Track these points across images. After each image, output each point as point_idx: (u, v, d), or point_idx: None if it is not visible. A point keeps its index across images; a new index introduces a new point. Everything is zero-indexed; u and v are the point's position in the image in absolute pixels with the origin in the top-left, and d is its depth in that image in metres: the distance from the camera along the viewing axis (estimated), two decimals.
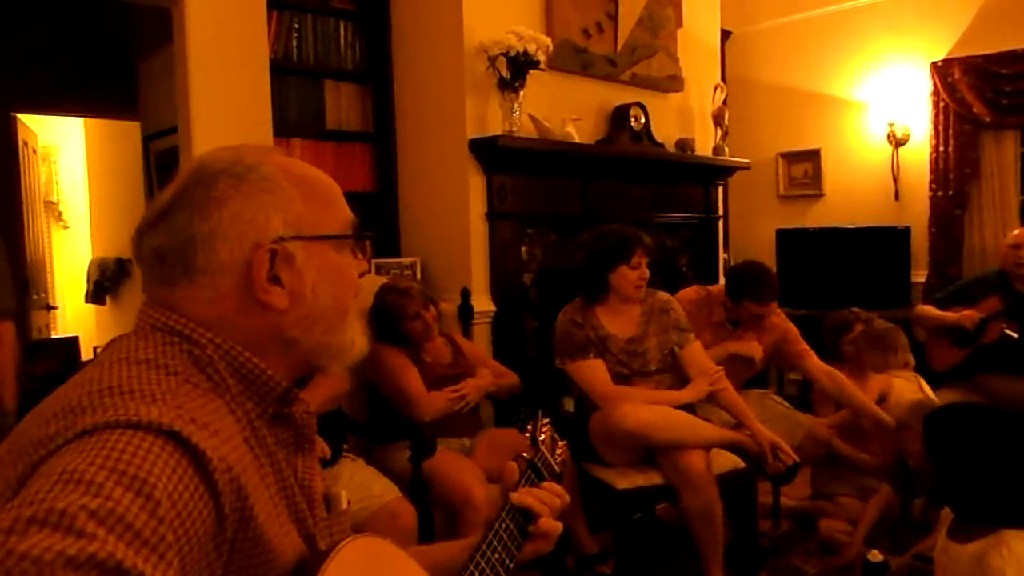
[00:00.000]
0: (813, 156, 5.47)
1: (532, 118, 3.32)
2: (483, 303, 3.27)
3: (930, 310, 3.79)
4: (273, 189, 0.83)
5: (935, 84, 4.79)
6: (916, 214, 4.96)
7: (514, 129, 3.19)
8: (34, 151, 5.16)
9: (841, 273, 5.04)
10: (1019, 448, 1.72)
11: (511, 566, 1.01)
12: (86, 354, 4.39)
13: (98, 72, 4.39)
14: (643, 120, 3.84)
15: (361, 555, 0.79)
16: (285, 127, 3.27)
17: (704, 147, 4.27)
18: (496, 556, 0.99)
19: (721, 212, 4.58)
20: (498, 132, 3.18)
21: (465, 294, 3.19)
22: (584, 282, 2.79)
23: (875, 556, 2.38)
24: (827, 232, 5.22)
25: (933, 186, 4.87)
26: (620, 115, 3.78)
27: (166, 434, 0.65)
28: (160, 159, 3.49)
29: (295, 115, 3.35)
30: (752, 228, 5.73)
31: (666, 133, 4.05)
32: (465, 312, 3.19)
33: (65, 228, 6.33)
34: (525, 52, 3.09)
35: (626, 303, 2.77)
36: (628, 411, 2.54)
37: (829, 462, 3.23)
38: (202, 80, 2.92)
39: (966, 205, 4.79)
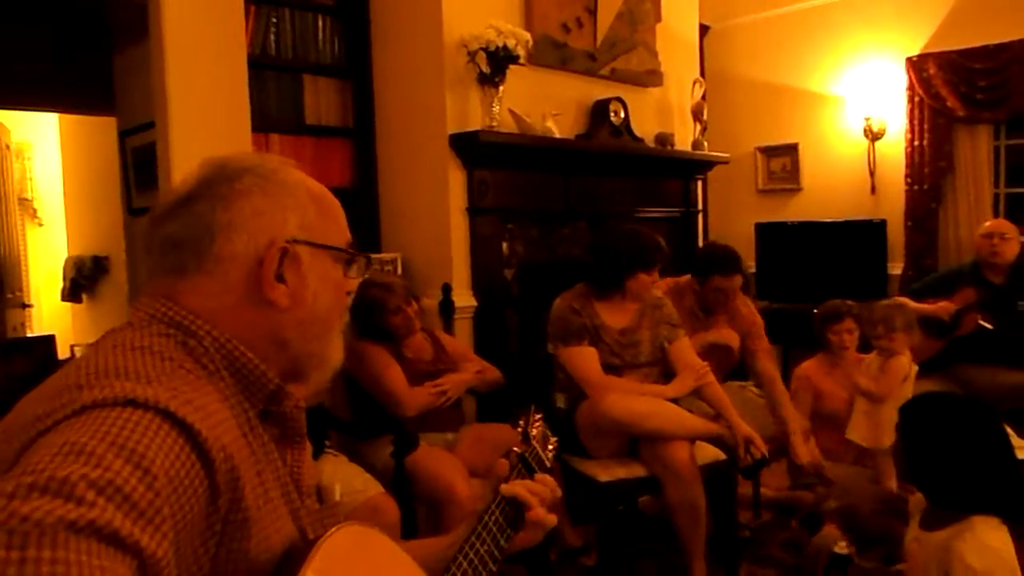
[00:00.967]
0: (791, 150, 5.51)
1: (512, 113, 3.32)
2: (465, 298, 3.27)
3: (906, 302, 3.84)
4: (292, 193, 0.88)
5: (910, 79, 4.84)
6: (892, 207, 5.02)
7: (494, 124, 3.19)
8: (8, 147, 5.09)
9: (819, 266, 5.10)
10: (988, 435, 1.75)
11: (499, 558, 1.01)
12: (63, 352, 4.34)
13: (73, 67, 4.33)
14: (623, 115, 3.85)
15: (350, 541, 0.80)
16: (264, 122, 3.24)
17: (683, 142, 4.29)
18: (485, 548, 0.99)
19: (700, 206, 4.61)
20: (478, 127, 3.18)
21: (446, 290, 3.19)
22: (597, 276, 2.81)
23: (841, 548, 2.41)
24: (805, 226, 5.27)
25: (909, 180, 4.93)
26: (600, 110, 3.79)
27: (162, 413, 0.66)
28: (137, 155, 3.45)
29: (274, 110, 3.32)
30: (731, 222, 5.77)
31: (646, 128, 4.06)
32: (447, 308, 3.19)
33: (40, 225, 6.24)
34: (505, 47, 3.09)
35: (632, 301, 2.81)
36: (616, 400, 2.56)
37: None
38: (179, 75, 2.89)
39: (941, 198, 4.85)
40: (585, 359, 2.69)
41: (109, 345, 0.77)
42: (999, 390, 3.45)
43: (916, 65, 4.82)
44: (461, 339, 3.18)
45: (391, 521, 2.24)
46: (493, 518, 1.03)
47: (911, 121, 4.88)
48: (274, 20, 3.32)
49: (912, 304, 3.75)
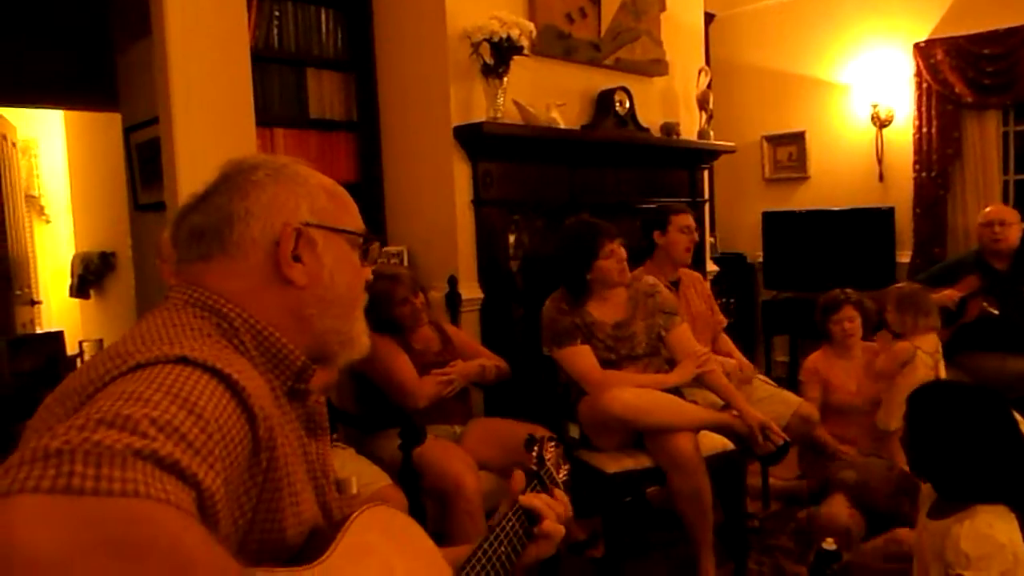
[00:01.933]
0: (798, 139, 5.49)
1: (517, 104, 3.31)
2: (471, 291, 3.27)
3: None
4: (303, 183, 0.95)
5: (918, 65, 4.81)
6: (900, 195, 4.99)
7: (499, 115, 3.17)
8: (13, 145, 5.10)
9: (827, 254, 5.08)
10: (996, 423, 1.74)
11: (514, 563, 1.04)
12: (71, 349, 4.36)
13: (77, 64, 4.34)
14: (628, 105, 3.83)
15: (379, 520, 0.86)
16: (267, 117, 3.24)
17: (689, 131, 4.27)
18: (502, 550, 1.02)
19: (707, 196, 4.59)
20: (483, 119, 3.17)
21: (452, 282, 3.19)
22: (565, 281, 2.78)
23: (829, 544, 2.40)
24: (813, 214, 5.25)
25: (917, 167, 4.90)
26: (605, 100, 3.77)
27: (211, 370, 0.73)
28: (141, 150, 3.45)
29: (277, 104, 3.32)
30: (738, 211, 5.75)
31: (651, 118, 4.04)
32: (453, 300, 3.19)
33: (47, 222, 6.27)
34: (508, 38, 3.07)
35: (613, 289, 2.78)
36: (615, 395, 2.54)
37: (817, 442, 3.25)
38: (182, 70, 2.88)
39: (949, 185, 4.82)
40: (581, 358, 2.67)
41: (151, 324, 0.84)
42: (1008, 377, 3.43)
43: (923, 51, 4.78)
44: (467, 331, 3.17)
45: None
46: (510, 524, 1.06)
47: (919, 108, 4.85)
48: (277, 14, 3.31)
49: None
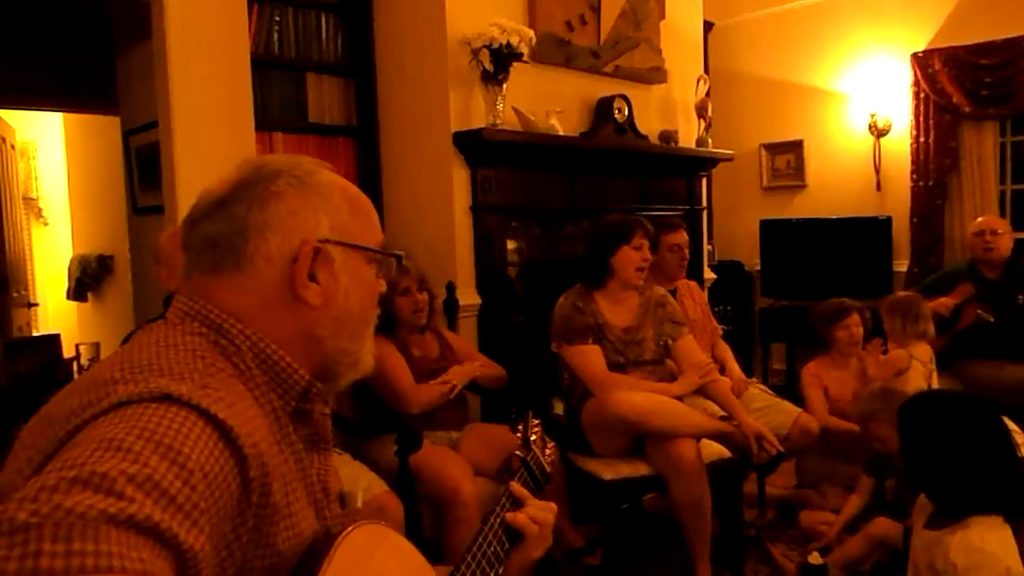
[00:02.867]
0: (796, 147, 5.50)
1: (516, 111, 3.32)
2: (469, 297, 3.27)
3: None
4: (326, 196, 0.90)
5: (916, 75, 4.83)
6: (898, 204, 5.00)
7: (498, 122, 3.18)
8: (12, 147, 5.10)
9: (824, 263, 5.09)
10: (987, 434, 1.74)
11: (504, 558, 1.03)
12: (68, 352, 4.34)
13: (77, 66, 4.34)
14: (627, 112, 3.84)
15: (368, 538, 0.82)
16: (267, 121, 3.24)
17: (687, 139, 4.28)
18: (491, 550, 1.02)
19: (705, 204, 4.60)
20: (482, 125, 3.18)
21: (450, 288, 3.19)
22: (586, 267, 2.83)
23: (815, 559, 2.40)
24: (810, 223, 5.26)
25: (914, 176, 4.91)
26: (604, 107, 3.78)
27: (196, 409, 0.68)
28: (140, 154, 3.45)
29: (277, 109, 3.32)
30: (736, 219, 5.76)
31: (650, 125, 4.05)
32: (451, 306, 3.19)
33: (45, 225, 6.27)
34: (508, 44, 3.08)
35: (626, 290, 2.80)
36: (622, 397, 2.55)
37: (815, 451, 3.25)
38: (182, 74, 2.89)
39: (947, 195, 4.84)
40: (590, 357, 2.69)
41: (144, 342, 0.80)
42: (1003, 385, 3.44)
43: (921, 61, 4.80)
44: (465, 337, 3.17)
45: (395, 520, 2.24)
46: (499, 520, 1.05)
47: (916, 117, 4.86)
48: (277, 19, 3.32)
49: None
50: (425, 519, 2.46)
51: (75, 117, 5.57)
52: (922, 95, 4.82)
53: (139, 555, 0.55)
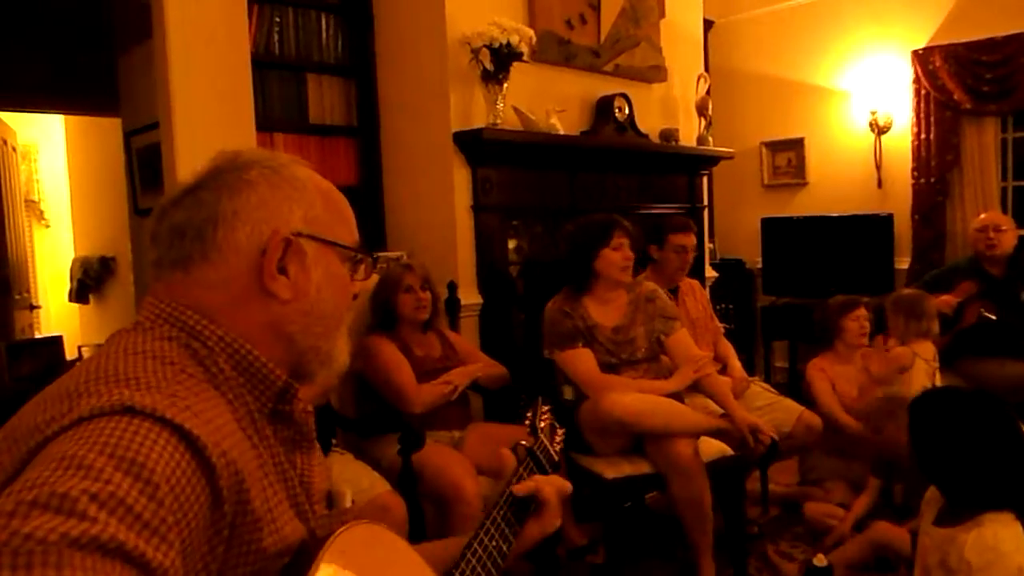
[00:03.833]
0: (797, 145, 5.50)
1: (516, 110, 3.32)
2: (470, 296, 3.27)
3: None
4: (300, 188, 0.88)
5: (916, 72, 4.82)
6: (899, 201, 5.00)
7: (498, 121, 3.18)
8: (13, 149, 5.10)
9: (825, 261, 5.09)
10: (999, 429, 1.73)
11: (507, 553, 1.01)
12: (70, 353, 4.36)
13: (77, 68, 4.34)
14: (627, 111, 3.84)
15: (360, 538, 0.80)
16: (268, 122, 3.24)
17: (688, 137, 4.28)
18: (493, 544, 1.00)
19: (706, 202, 4.60)
20: (482, 125, 3.18)
21: (452, 287, 3.19)
22: (569, 272, 2.81)
23: (820, 560, 2.40)
24: (811, 220, 5.26)
25: (915, 173, 4.91)
26: (604, 106, 3.78)
27: (161, 421, 0.66)
28: (142, 155, 3.45)
29: (278, 110, 3.33)
30: (737, 217, 5.76)
31: (650, 124, 4.05)
32: (452, 305, 3.19)
33: (47, 227, 6.26)
34: (508, 44, 3.08)
35: (613, 290, 2.79)
36: (615, 399, 2.55)
37: (819, 448, 3.26)
38: (183, 75, 2.89)
39: (948, 192, 4.83)
40: (581, 361, 2.68)
41: (112, 349, 0.78)
42: (1006, 382, 3.43)
43: (922, 58, 4.80)
44: (467, 336, 3.17)
45: (398, 519, 2.24)
46: (501, 513, 1.03)
47: (917, 114, 4.86)
48: (277, 19, 3.32)
49: None
50: (428, 518, 2.46)
51: (76, 119, 5.58)
52: (923, 92, 4.82)
53: None
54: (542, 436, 1.18)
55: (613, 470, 2.61)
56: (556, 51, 3.59)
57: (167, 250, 0.84)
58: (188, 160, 2.89)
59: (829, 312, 3.38)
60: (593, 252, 2.73)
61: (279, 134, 3.31)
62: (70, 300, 5.70)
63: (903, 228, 4.98)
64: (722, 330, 3.52)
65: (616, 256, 2.72)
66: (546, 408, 1.23)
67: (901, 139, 4.99)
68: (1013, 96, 4.54)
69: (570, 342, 2.69)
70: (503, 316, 3.33)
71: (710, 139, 4.33)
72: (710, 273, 4.61)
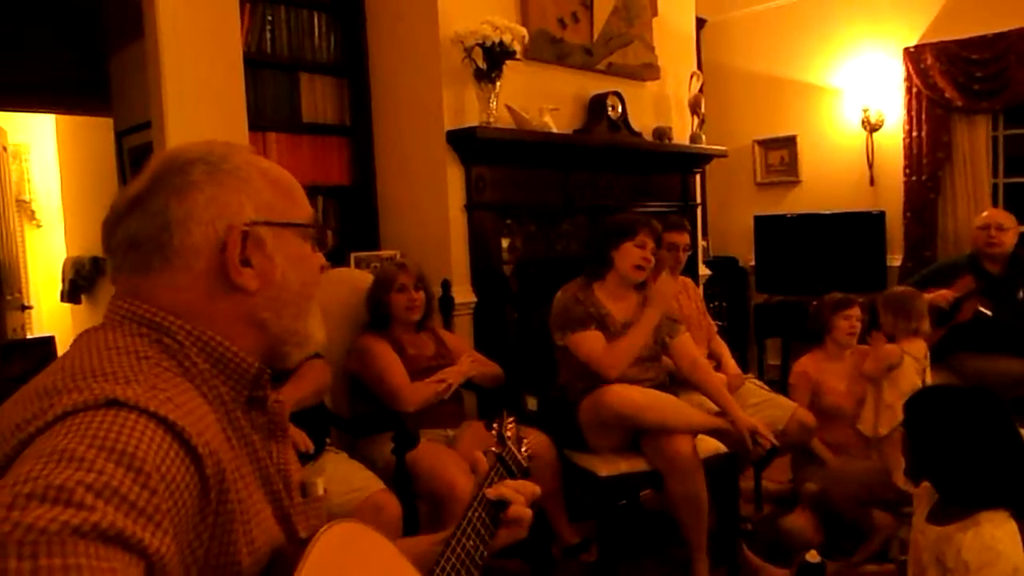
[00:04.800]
0: (789, 143, 5.51)
1: (509, 109, 3.32)
2: (464, 294, 3.27)
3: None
4: (244, 178, 0.87)
5: (908, 70, 4.84)
6: (891, 199, 5.01)
7: (491, 120, 3.18)
8: (4, 149, 5.08)
9: (818, 258, 5.10)
10: (995, 427, 1.74)
11: (485, 554, 1.03)
12: (62, 353, 4.34)
13: (69, 68, 4.32)
14: (620, 109, 3.84)
15: (342, 540, 0.80)
16: (260, 121, 3.23)
17: (681, 135, 4.28)
18: (470, 543, 1.01)
19: (699, 200, 4.61)
20: (475, 123, 3.17)
21: (446, 286, 3.19)
22: (588, 259, 2.88)
23: (813, 556, 2.40)
24: (804, 218, 5.27)
25: (907, 171, 4.92)
26: (597, 104, 3.78)
27: (145, 412, 0.67)
28: (134, 155, 3.44)
29: (270, 109, 3.32)
30: (730, 215, 5.77)
31: (643, 122, 4.06)
32: (446, 304, 3.19)
33: (38, 227, 6.23)
34: (501, 42, 3.08)
35: (624, 285, 2.81)
36: (618, 391, 2.56)
37: (811, 446, 3.26)
38: (175, 74, 2.88)
39: (940, 189, 4.85)
40: (593, 341, 2.70)
41: (84, 347, 0.78)
42: (1000, 379, 3.45)
43: (913, 56, 4.81)
44: (461, 335, 3.18)
45: (393, 518, 2.24)
46: (476, 515, 1.05)
47: (909, 112, 4.87)
48: (269, 18, 3.31)
49: None
50: (422, 517, 2.46)
51: (68, 119, 5.55)
52: (914, 90, 4.83)
53: (109, 565, 0.54)
54: (509, 444, 1.21)
55: (607, 468, 2.62)
56: (549, 49, 3.59)
57: (124, 260, 0.85)
58: None
59: (822, 308, 3.39)
60: (616, 243, 2.78)
61: (272, 133, 3.30)
62: (62, 300, 5.67)
63: (895, 225, 5.00)
64: (715, 328, 3.53)
65: (636, 253, 2.77)
66: (511, 418, 1.27)
67: (893, 136, 5.00)
68: (1004, 93, 4.55)
69: (581, 325, 2.72)
70: (497, 314, 3.33)
71: (703, 137, 4.34)
72: (703, 271, 4.61)
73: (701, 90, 4.35)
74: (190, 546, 0.68)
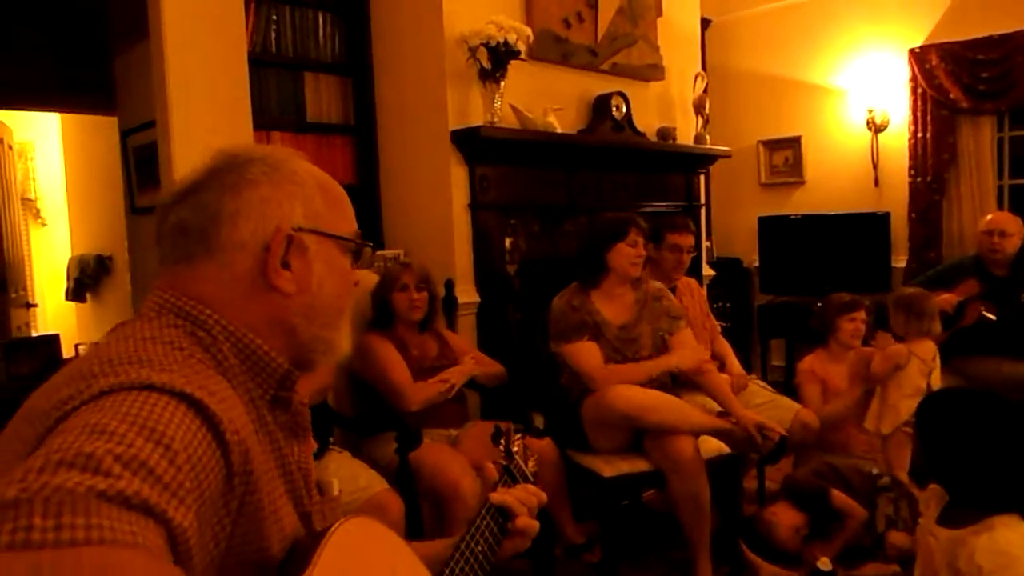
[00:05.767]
0: (794, 143, 5.50)
1: (513, 108, 3.32)
2: (467, 294, 3.27)
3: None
4: (300, 184, 0.90)
5: (913, 70, 4.83)
6: (896, 200, 5.01)
7: (496, 120, 3.18)
8: (10, 148, 5.09)
9: (822, 259, 5.09)
10: (1008, 431, 1.73)
11: (492, 560, 1.04)
12: (67, 352, 4.34)
13: (74, 67, 4.33)
14: (624, 109, 3.84)
15: (357, 534, 0.82)
16: (265, 120, 3.24)
17: (685, 136, 4.28)
18: (479, 548, 1.02)
19: (703, 200, 4.60)
20: (480, 123, 3.18)
21: (449, 286, 3.19)
22: (582, 265, 2.85)
23: (824, 564, 2.40)
24: (808, 219, 5.26)
25: (912, 172, 4.91)
26: (601, 104, 3.78)
27: (179, 396, 0.69)
28: (138, 154, 3.45)
29: (275, 108, 3.32)
30: (734, 216, 5.76)
31: (647, 122, 4.05)
32: (449, 303, 3.19)
33: (44, 225, 6.25)
34: (505, 42, 3.08)
35: (622, 286, 2.81)
36: (620, 392, 2.56)
37: (814, 447, 3.25)
38: (180, 74, 2.88)
39: (944, 190, 4.84)
40: (588, 353, 2.70)
41: (121, 336, 0.80)
42: (1003, 382, 3.44)
43: (919, 56, 4.80)
44: (464, 334, 3.18)
45: (395, 517, 2.24)
46: (484, 523, 1.06)
47: (914, 113, 4.86)
48: (274, 17, 3.32)
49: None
50: (425, 516, 2.46)
51: (73, 117, 5.56)
52: (919, 91, 4.82)
53: (131, 528, 0.55)
54: (516, 457, 1.24)
55: (611, 468, 2.61)
56: (553, 49, 3.59)
57: (171, 247, 0.87)
58: (185, 159, 2.89)
59: (828, 309, 3.38)
60: (609, 245, 2.78)
61: (276, 132, 3.31)
62: (67, 299, 5.69)
63: (900, 226, 4.99)
64: (719, 329, 3.53)
65: (630, 252, 2.78)
66: (518, 436, 1.29)
67: (898, 137, 4.99)
68: (1010, 94, 4.54)
69: (577, 335, 2.72)
70: (500, 314, 3.33)
71: (707, 137, 4.34)
72: (707, 272, 4.61)
73: (705, 90, 4.35)
74: (212, 530, 0.69)
